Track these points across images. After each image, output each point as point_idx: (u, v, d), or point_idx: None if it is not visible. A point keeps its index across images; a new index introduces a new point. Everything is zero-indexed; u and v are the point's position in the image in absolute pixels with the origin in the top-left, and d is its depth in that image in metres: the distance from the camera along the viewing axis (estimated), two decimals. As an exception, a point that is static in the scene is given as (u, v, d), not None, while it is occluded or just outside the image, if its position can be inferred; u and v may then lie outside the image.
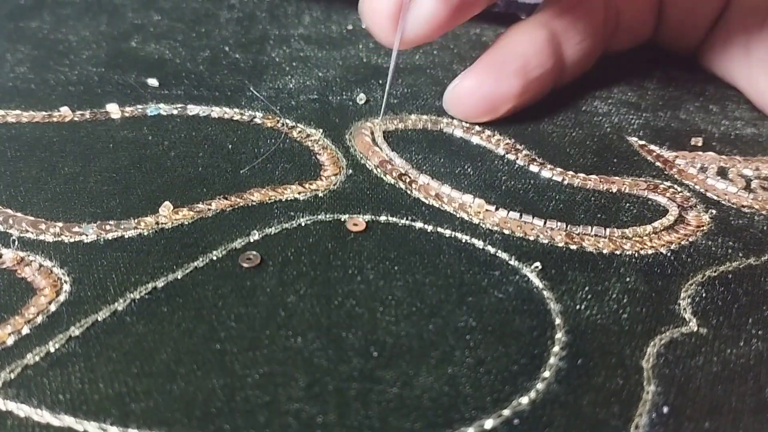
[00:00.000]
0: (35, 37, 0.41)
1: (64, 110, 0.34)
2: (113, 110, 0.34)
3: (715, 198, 0.31)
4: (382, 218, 0.28)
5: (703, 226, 0.30)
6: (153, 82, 0.37)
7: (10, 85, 0.36)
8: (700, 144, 0.35)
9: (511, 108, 0.35)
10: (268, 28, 0.44)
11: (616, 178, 0.32)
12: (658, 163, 0.33)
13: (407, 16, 0.30)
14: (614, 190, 0.31)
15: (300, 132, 0.33)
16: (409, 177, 0.31)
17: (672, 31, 0.41)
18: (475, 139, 0.34)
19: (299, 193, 0.29)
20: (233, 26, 0.44)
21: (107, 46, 0.40)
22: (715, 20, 0.39)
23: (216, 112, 0.34)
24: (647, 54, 0.43)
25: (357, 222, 0.28)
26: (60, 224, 0.27)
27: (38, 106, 0.34)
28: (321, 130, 0.33)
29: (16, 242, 0.26)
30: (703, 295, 0.26)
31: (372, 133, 0.33)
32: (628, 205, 0.30)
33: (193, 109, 0.35)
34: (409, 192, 0.30)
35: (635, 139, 0.35)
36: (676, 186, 0.32)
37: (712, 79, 0.41)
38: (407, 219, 0.29)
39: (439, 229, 0.28)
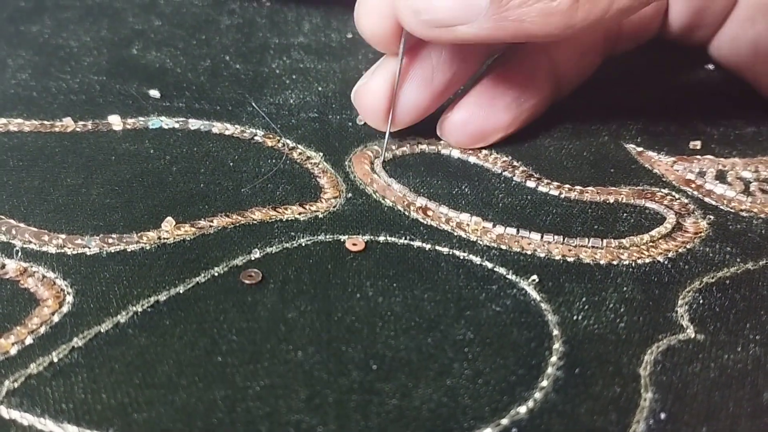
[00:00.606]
0: (36, 41, 0.41)
1: (67, 121, 0.34)
2: (115, 122, 0.34)
3: (713, 203, 0.32)
4: (381, 238, 0.29)
5: (700, 232, 0.30)
6: (155, 93, 0.37)
7: (11, 92, 0.36)
8: (698, 147, 0.35)
9: (505, 136, 0.35)
10: (269, 35, 0.44)
11: (613, 188, 0.32)
12: (656, 170, 0.33)
13: (395, 109, 0.33)
14: (611, 201, 0.31)
15: (300, 154, 0.33)
16: (407, 200, 0.31)
17: (681, 29, 0.41)
18: (472, 159, 0.34)
19: (300, 213, 0.30)
20: (233, 33, 0.44)
21: (108, 52, 0.41)
22: (725, 17, 0.39)
23: (217, 127, 0.35)
24: (645, 59, 0.43)
25: (356, 242, 0.28)
26: (63, 236, 0.27)
27: (40, 115, 0.34)
28: (321, 154, 0.33)
29: (19, 253, 0.27)
30: (701, 301, 0.26)
31: (371, 162, 0.33)
32: (625, 215, 0.31)
33: (194, 124, 0.35)
34: (407, 214, 0.30)
35: (632, 145, 0.35)
36: (674, 193, 0.32)
37: (710, 80, 0.41)
38: (406, 238, 0.29)
39: (437, 247, 0.28)
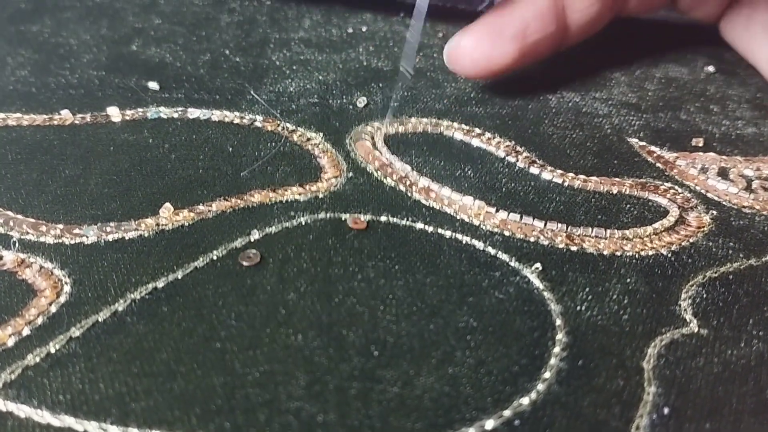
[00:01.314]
0: (36, 40, 0.41)
1: (65, 113, 0.34)
2: (114, 113, 0.34)
3: (716, 199, 0.31)
4: (383, 218, 0.28)
5: (703, 226, 0.30)
6: (153, 85, 0.37)
7: (10, 88, 0.36)
8: (701, 144, 0.35)
9: (510, 68, 0.35)
10: (269, 31, 0.44)
11: (617, 179, 0.32)
12: (658, 164, 0.33)
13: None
14: (615, 192, 0.31)
15: (300, 135, 0.33)
16: (410, 180, 0.31)
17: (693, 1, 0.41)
18: (476, 142, 0.34)
19: (300, 194, 0.29)
20: (234, 30, 0.44)
21: (108, 49, 0.41)
22: None
23: (216, 115, 0.35)
24: (647, 54, 0.43)
25: (358, 220, 0.28)
26: (61, 226, 0.27)
27: (39, 110, 0.34)
28: (321, 134, 0.33)
29: (17, 244, 0.26)
30: (704, 296, 0.26)
31: (372, 138, 0.33)
32: (628, 206, 0.30)
33: (193, 113, 0.35)
34: (409, 194, 0.30)
35: (636, 140, 0.35)
36: (676, 187, 0.32)
37: (712, 80, 0.41)
38: (408, 220, 0.29)
39: (440, 230, 0.28)
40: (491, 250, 0.27)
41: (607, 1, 0.37)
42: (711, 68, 0.42)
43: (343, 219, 0.28)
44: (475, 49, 0.34)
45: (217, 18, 0.45)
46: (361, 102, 0.36)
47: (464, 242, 0.28)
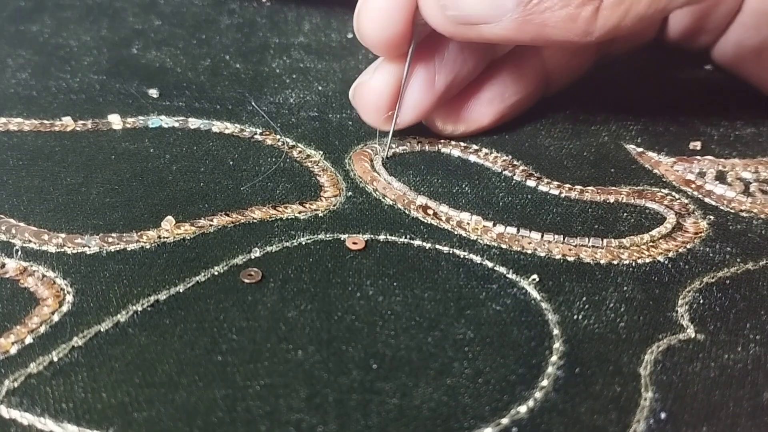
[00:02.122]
0: (36, 41, 0.41)
1: (66, 120, 0.34)
2: (115, 121, 0.34)
3: (714, 203, 0.32)
4: (381, 237, 0.29)
5: (701, 232, 0.30)
6: (154, 93, 0.37)
7: (11, 91, 0.36)
8: (698, 147, 0.35)
9: (485, 129, 0.35)
10: (269, 35, 0.44)
11: (614, 188, 0.32)
12: (656, 171, 0.33)
13: (400, 106, 0.32)
14: (612, 201, 0.31)
15: (300, 152, 0.33)
16: (408, 198, 0.31)
17: (683, 35, 0.41)
18: (473, 158, 0.34)
19: (300, 212, 0.30)
20: (233, 33, 0.44)
21: (108, 52, 0.41)
22: (728, 23, 0.39)
23: (217, 126, 0.35)
24: (644, 58, 0.43)
25: (356, 240, 0.28)
26: (62, 235, 0.27)
27: (40, 114, 0.34)
28: (321, 152, 0.33)
29: (19, 252, 0.27)
30: (701, 301, 0.26)
31: (371, 160, 0.33)
32: (625, 214, 0.31)
33: (194, 123, 0.35)
34: (407, 212, 0.30)
35: (633, 146, 0.35)
36: (674, 193, 0.32)
37: (710, 80, 0.41)
38: (406, 237, 0.29)
39: (438, 246, 0.28)
40: (489, 264, 0.28)
41: (589, 51, 0.37)
42: (709, 67, 0.42)
43: (342, 239, 0.28)
44: (451, 113, 0.34)
45: (216, 20, 0.45)
46: None
47: (462, 257, 0.28)
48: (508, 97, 0.35)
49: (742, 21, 0.38)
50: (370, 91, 0.33)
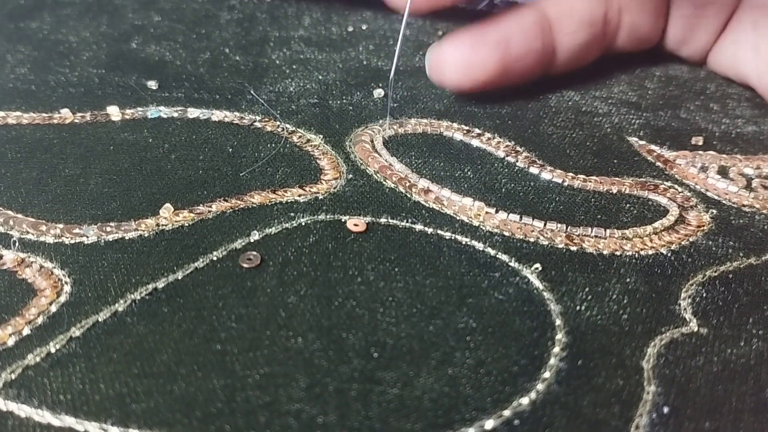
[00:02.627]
0: (35, 37, 0.41)
1: (65, 112, 0.34)
2: (114, 112, 0.34)
3: (716, 197, 0.31)
4: (383, 220, 0.28)
5: (703, 225, 0.30)
6: (153, 85, 0.37)
7: (10, 86, 0.36)
8: (700, 143, 0.35)
9: (493, 80, 0.35)
10: (269, 29, 0.44)
11: (617, 179, 0.32)
12: (658, 163, 0.33)
13: None
14: (614, 191, 0.31)
15: (300, 137, 0.33)
16: (409, 181, 0.31)
17: (684, 34, 0.41)
18: (475, 142, 0.34)
19: (299, 195, 0.30)
20: (233, 27, 0.44)
21: (107, 47, 0.41)
22: (726, 20, 0.39)
23: (216, 115, 0.35)
24: (647, 53, 0.43)
25: (357, 222, 0.28)
26: (61, 226, 0.27)
27: (39, 108, 0.34)
28: (321, 136, 0.33)
29: (17, 243, 0.26)
30: (704, 295, 0.26)
31: (371, 140, 0.33)
32: (628, 205, 0.30)
33: (193, 112, 0.35)
34: (409, 196, 0.30)
35: (635, 139, 0.35)
36: (676, 186, 0.32)
37: (712, 78, 0.41)
38: (407, 221, 0.29)
39: (440, 232, 0.28)
40: (491, 251, 0.27)
41: (595, 32, 0.37)
42: None
43: (342, 221, 0.28)
44: (456, 56, 0.34)
45: (216, 15, 0.45)
46: (379, 94, 0.36)
47: (464, 243, 0.28)
48: (512, 45, 0.35)
49: (739, 19, 0.38)
50: None
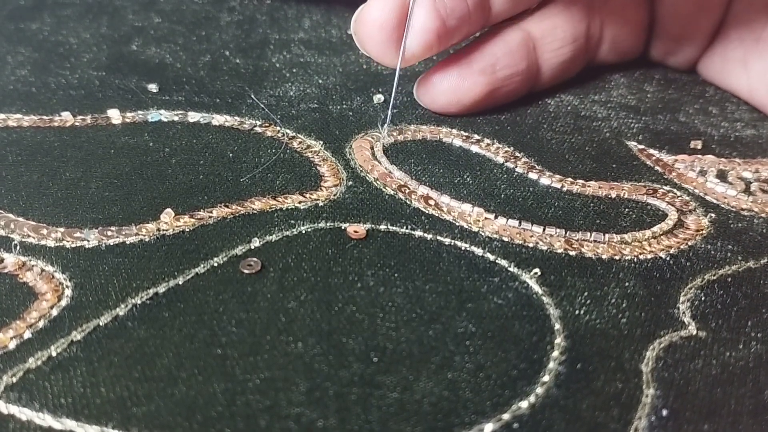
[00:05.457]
0: (36, 39, 0.41)
1: (66, 115, 0.34)
2: (114, 115, 0.34)
3: (715, 201, 0.32)
4: (382, 227, 0.29)
5: (702, 229, 0.30)
6: (153, 87, 0.37)
7: (11, 88, 0.36)
8: (699, 147, 0.35)
9: (480, 103, 0.35)
10: (269, 32, 0.44)
11: (615, 183, 0.32)
12: (657, 168, 0.33)
13: (407, 33, 0.32)
14: (613, 196, 0.31)
15: (300, 143, 0.33)
16: (409, 188, 0.31)
17: (669, 47, 0.41)
18: (474, 148, 0.34)
19: (300, 202, 0.30)
20: (234, 30, 0.44)
21: (108, 49, 0.41)
22: (712, 35, 0.39)
23: (217, 119, 0.35)
24: (644, 59, 0.43)
25: (357, 229, 0.28)
26: (61, 229, 0.27)
27: (39, 110, 0.34)
28: (321, 142, 0.33)
29: (18, 247, 0.26)
30: (703, 298, 0.26)
31: (371, 148, 0.33)
32: (627, 210, 0.31)
33: (193, 116, 0.35)
34: (408, 202, 0.30)
35: (634, 143, 0.35)
36: (675, 190, 0.32)
37: (709, 83, 0.41)
38: (407, 228, 0.29)
39: (439, 238, 0.28)
40: (490, 256, 0.27)
41: (578, 47, 0.37)
42: None
43: (342, 228, 0.28)
44: (444, 85, 0.35)
45: (216, 17, 0.45)
46: (378, 99, 0.36)
47: (463, 249, 0.28)
48: (499, 69, 0.35)
49: (727, 34, 0.38)
50: (373, 12, 0.32)
